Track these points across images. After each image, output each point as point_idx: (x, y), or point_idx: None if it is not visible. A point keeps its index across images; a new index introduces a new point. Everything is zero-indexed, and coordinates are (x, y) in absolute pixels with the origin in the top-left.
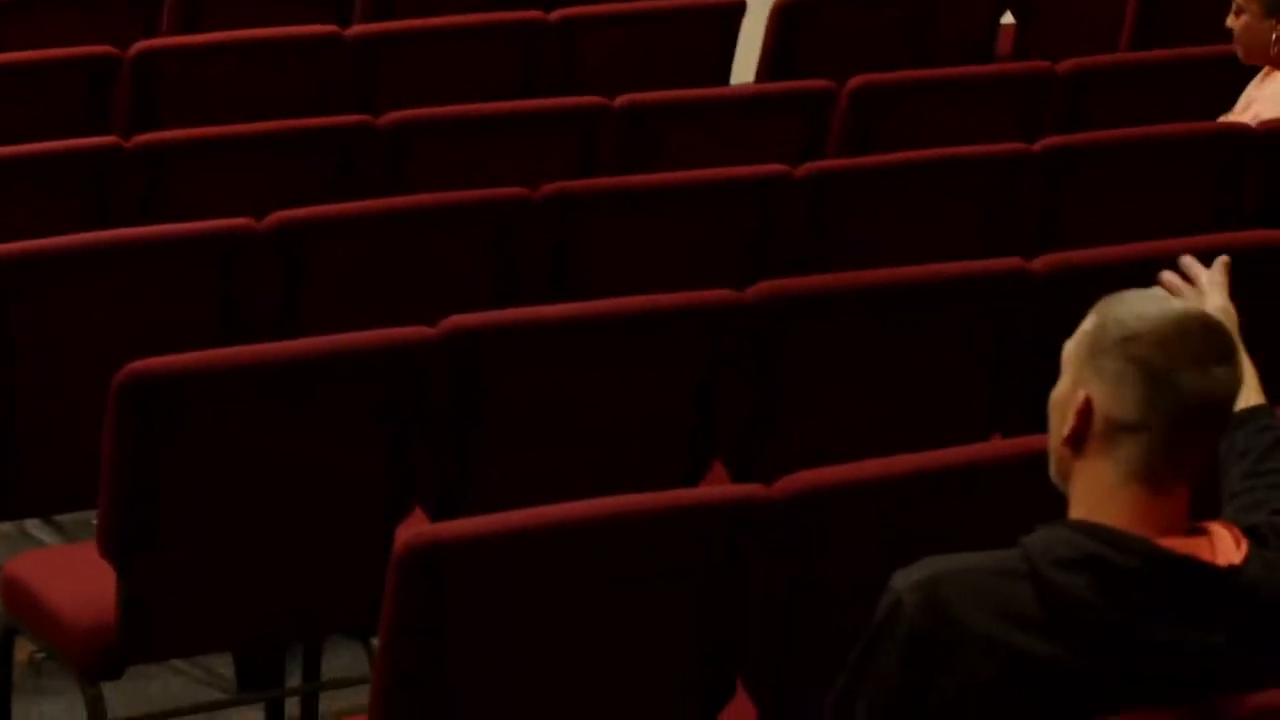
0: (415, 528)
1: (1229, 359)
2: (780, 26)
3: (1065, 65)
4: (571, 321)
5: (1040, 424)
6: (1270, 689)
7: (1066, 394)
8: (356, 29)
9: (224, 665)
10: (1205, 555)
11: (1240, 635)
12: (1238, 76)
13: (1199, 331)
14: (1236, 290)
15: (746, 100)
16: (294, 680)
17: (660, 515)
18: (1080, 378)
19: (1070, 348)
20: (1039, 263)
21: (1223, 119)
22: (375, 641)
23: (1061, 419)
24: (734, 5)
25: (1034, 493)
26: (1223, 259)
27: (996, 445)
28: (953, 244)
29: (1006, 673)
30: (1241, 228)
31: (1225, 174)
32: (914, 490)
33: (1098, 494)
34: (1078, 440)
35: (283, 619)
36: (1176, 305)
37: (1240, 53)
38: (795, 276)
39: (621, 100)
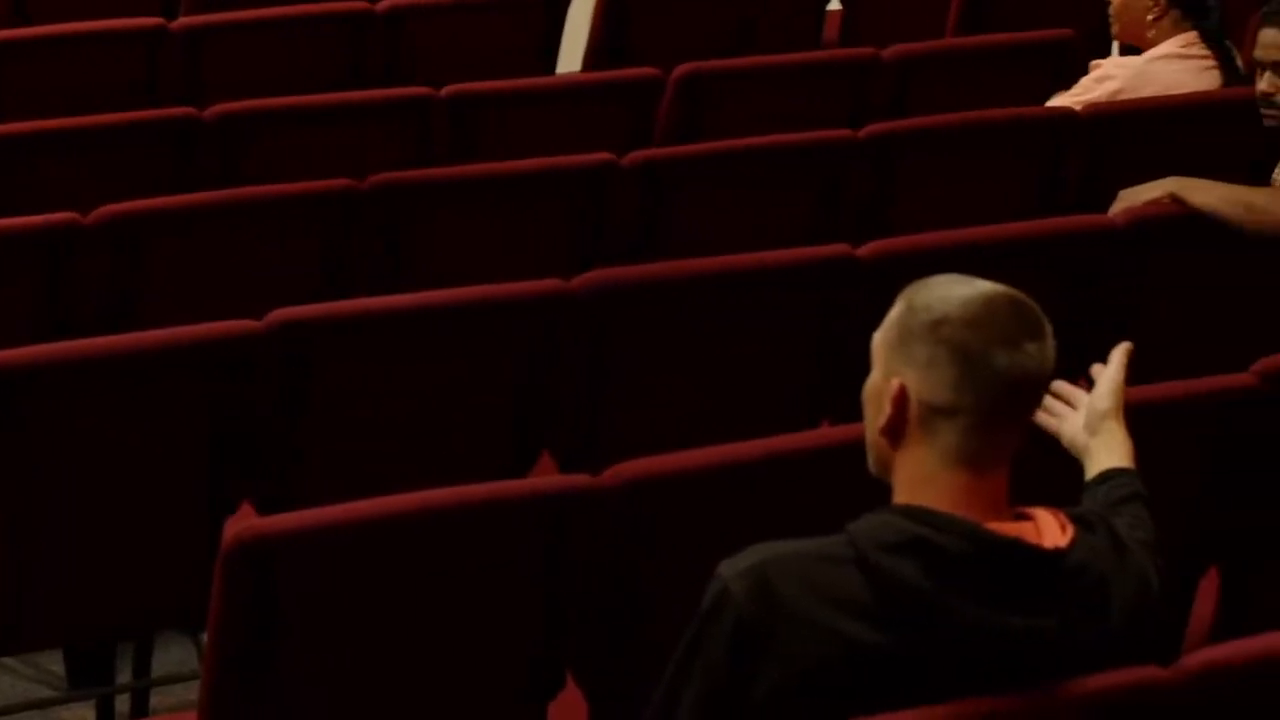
0: (243, 521)
1: (1040, 335)
2: (607, 14)
3: (891, 51)
4: (399, 313)
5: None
6: (1100, 673)
7: (879, 384)
8: (184, 21)
9: (54, 662)
10: (1031, 538)
11: (1067, 618)
12: (1063, 61)
13: (1008, 310)
14: (1060, 272)
15: (574, 89)
16: (125, 677)
17: (488, 506)
18: (892, 366)
19: (879, 338)
20: (866, 249)
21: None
22: (205, 637)
23: (877, 410)
24: None
25: (861, 479)
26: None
27: (824, 432)
28: (781, 231)
29: (835, 659)
30: (1064, 211)
31: (1048, 158)
32: (742, 478)
33: (919, 481)
34: (894, 430)
35: (113, 615)
36: (983, 285)
37: (1115, 29)
38: (624, 265)
39: (449, 90)
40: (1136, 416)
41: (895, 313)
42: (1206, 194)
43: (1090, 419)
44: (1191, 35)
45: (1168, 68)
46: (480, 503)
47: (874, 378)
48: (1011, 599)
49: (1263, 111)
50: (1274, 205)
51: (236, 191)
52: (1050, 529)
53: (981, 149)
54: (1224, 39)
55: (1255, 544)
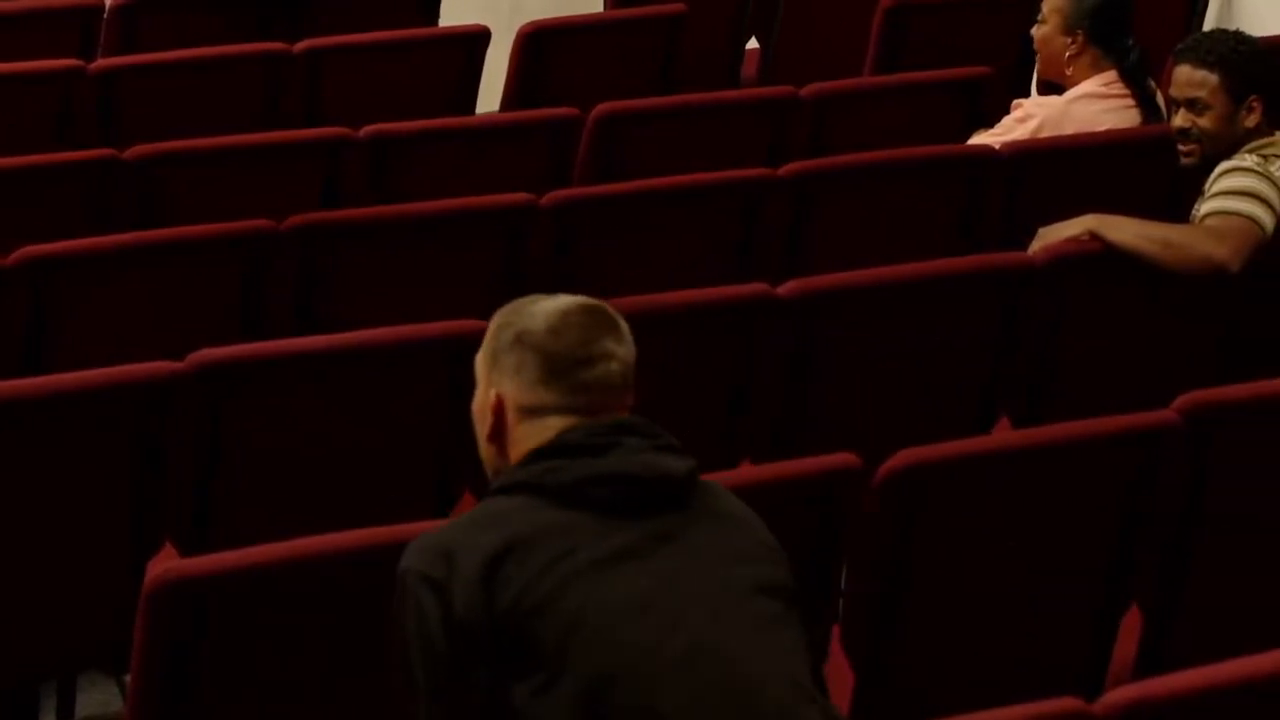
0: (165, 562)
1: (615, 331)
2: (525, 55)
3: (810, 90)
4: (319, 354)
5: (783, 447)
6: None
7: (482, 400)
8: (101, 62)
9: None
10: None
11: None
12: (980, 98)
13: (582, 314)
14: (979, 310)
15: (491, 129)
16: (49, 717)
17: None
18: (490, 380)
19: (477, 360)
20: (785, 288)
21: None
22: (128, 678)
23: (482, 423)
24: (478, 34)
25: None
26: None
27: (746, 470)
28: (701, 270)
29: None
30: (983, 249)
31: (967, 195)
32: None
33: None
34: (498, 435)
35: (34, 657)
36: (562, 298)
37: (1038, 64)
38: None
39: (367, 130)
40: (1058, 454)
41: (487, 335)
42: (1125, 231)
43: None
44: (1111, 74)
45: (1089, 107)
46: (400, 543)
47: (477, 397)
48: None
49: (1179, 148)
50: (1192, 241)
51: (154, 232)
52: None
53: (901, 186)
54: (1145, 77)
55: (1177, 581)
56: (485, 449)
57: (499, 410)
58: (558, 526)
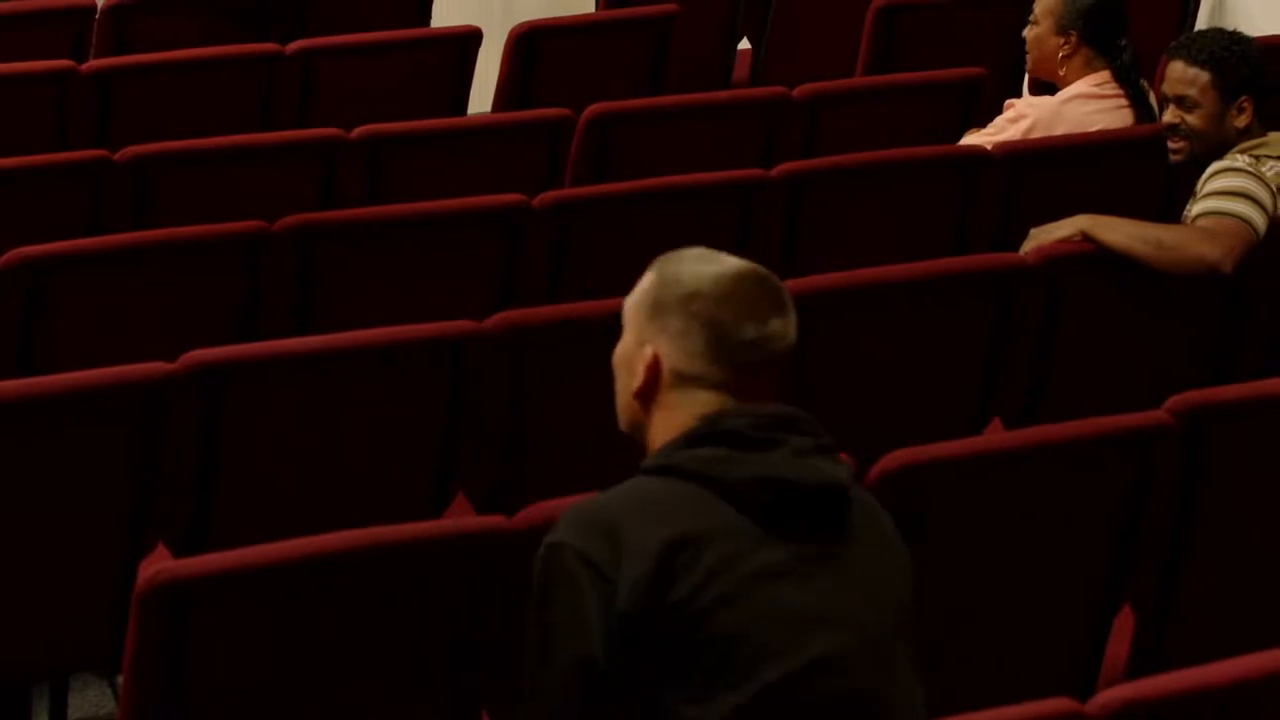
0: (158, 564)
1: (783, 310)
2: (516, 55)
3: (802, 90)
4: (312, 355)
5: None
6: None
7: (632, 350)
8: (94, 63)
9: None
10: None
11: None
12: (973, 99)
13: (754, 286)
14: (972, 310)
15: (484, 129)
16: (41, 719)
17: (402, 547)
18: (645, 334)
19: (631, 304)
20: None
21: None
22: (121, 679)
23: (629, 374)
24: (470, 35)
25: None
26: None
27: None
28: None
29: (727, 549)
30: (976, 249)
31: (960, 196)
32: None
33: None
34: (647, 394)
35: (27, 657)
36: (731, 261)
37: (1028, 63)
38: (538, 305)
39: (360, 131)
40: (1050, 455)
41: (647, 282)
42: (1117, 231)
43: None
44: (1105, 74)
45: (1081, 107)
46: (395, 544)
47: (626, 343)
48: (807, 454)
49: (1168, 144)
50: (1184, 242)
51: (148, 234)
52: None
53: (894, 187)
54: (1138, 78)
55: (1170, 581)
56: (628, 401)
57: (654, 370)
58: (725, 529)
